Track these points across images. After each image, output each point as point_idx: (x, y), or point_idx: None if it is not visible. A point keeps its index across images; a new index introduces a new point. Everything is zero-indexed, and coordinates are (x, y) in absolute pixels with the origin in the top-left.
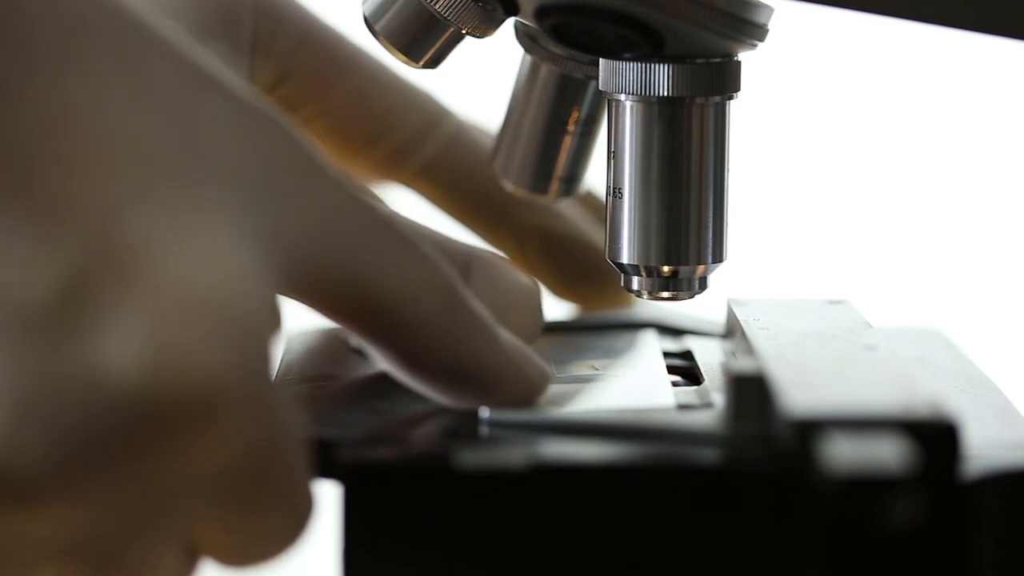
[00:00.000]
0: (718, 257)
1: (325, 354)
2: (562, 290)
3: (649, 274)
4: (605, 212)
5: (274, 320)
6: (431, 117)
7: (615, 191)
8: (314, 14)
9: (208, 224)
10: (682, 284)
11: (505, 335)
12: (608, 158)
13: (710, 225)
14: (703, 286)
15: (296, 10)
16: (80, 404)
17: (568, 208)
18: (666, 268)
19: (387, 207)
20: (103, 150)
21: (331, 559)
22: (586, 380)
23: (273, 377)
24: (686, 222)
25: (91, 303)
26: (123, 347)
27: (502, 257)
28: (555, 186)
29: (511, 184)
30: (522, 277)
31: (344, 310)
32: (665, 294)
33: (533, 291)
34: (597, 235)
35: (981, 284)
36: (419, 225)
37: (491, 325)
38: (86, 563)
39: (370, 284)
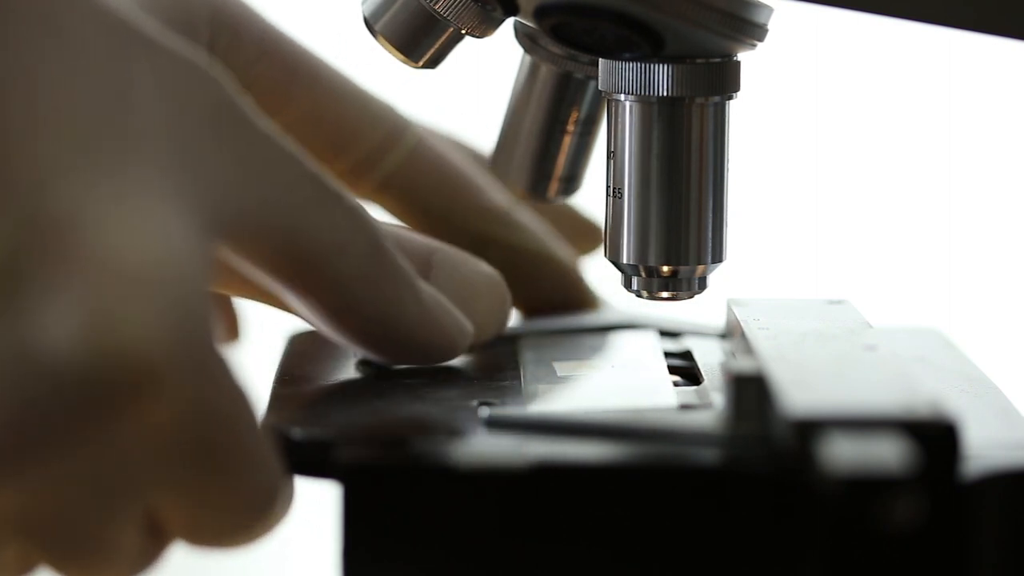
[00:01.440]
0: (718, 257)
1: (325, 354)
2: (523, 304)
3: (649, 274)
4: (604, 212)
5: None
6: (392, 130)
7: (615, 191)
8: (274, 25)
9: (137, 189)
10: (682, 284)
11: (427, 290)
12: (608, 158)
13: (710, 225)
14: (703, 286)
15: (255, 21)
16: (20, 382)
17: (532, 222)
18: (666, 268)
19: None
20: (31, 120)
21: (331, 559)
22: (586, 380)
23: (214, 342)
24: (686, 222)
25: (26, 280)
26: (59, 322)
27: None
28: (555, 186)
29: (511, 184)
30: (484, 266)
31: (272, 263)
32: (665, 294)
33: (496, 280)
34: (561, 249)
35: (981, 284)
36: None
37: (413, 279)
38: (45, 540)
39: (297, 236)
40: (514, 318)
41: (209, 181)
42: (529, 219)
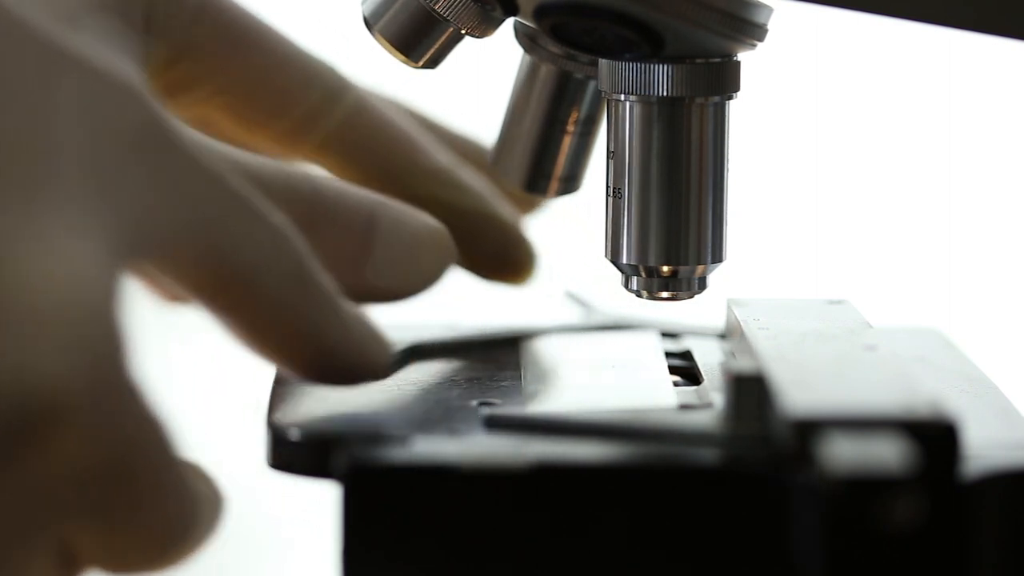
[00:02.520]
0: (717, 257)
1: None
2: (464, 263)
3: (648, 274)
4: (605, 212)
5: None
6: (332, 91)
7: (614, 191)
8: None
9: (47, 217)
10: (682, 284)
11: (350, 311)
12: (608, 158)
13: (709, 225)
14: (703, 286)
15: None
16: None
17: (474, 181)
18: (665, 268)
19: (237, 178)
20: None
21: (331, 559)
22: (586, 380)
23: (127, 374)
24: (685, 222)
25: None
26: None
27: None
28: (554, 186)
29: (510, 183)
30: (428, 219)
31: (194, 281)
32: (664, 294)
33: (441, 233)
34: (503, 208)
35: (981, 284)
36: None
37: (337, 299)
38: None
39: (221, 256)
40: (511, 316)
41: (126, 203)
42: (471, 178)
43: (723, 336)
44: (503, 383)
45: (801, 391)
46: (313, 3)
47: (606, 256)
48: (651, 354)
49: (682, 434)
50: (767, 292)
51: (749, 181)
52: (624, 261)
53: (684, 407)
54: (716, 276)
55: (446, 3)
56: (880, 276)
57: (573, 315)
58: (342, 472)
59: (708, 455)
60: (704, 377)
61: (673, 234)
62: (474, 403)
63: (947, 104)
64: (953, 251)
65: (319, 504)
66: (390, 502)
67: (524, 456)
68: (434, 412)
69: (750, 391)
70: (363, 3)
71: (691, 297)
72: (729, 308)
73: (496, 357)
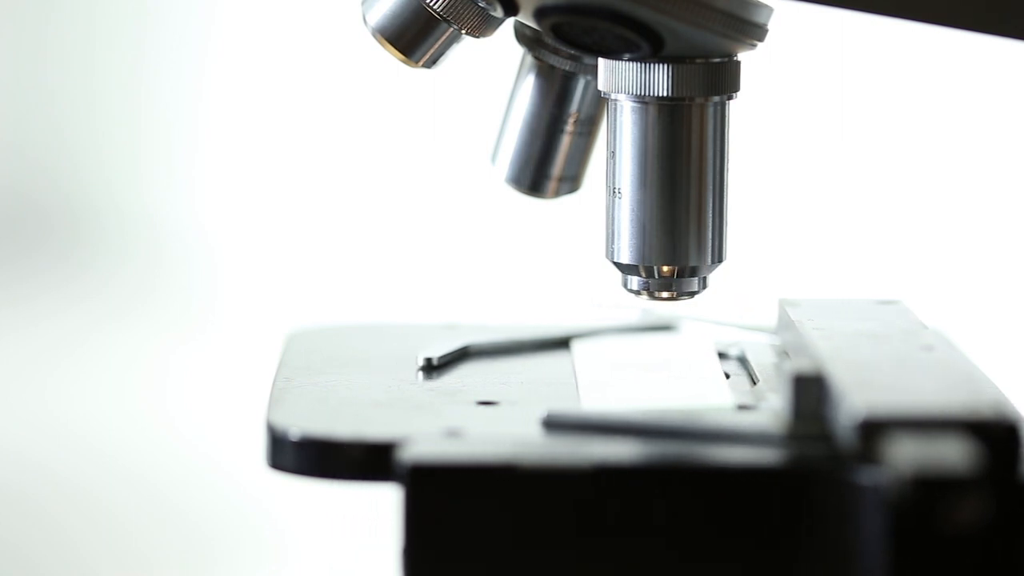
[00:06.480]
0: (718, 257)
1: (325, 354)
2: None
3: (649, 274)
4: (605, 212)
5: None
6: None
7: (615, 191)
8: None
9: None
10: (682, 284)
11: None
12: (608, 158)
13: (710, 225)
14: (703, 286)
15: None
16: None
17: None
18: (666, 268)
19: None
20: None
21: (393, 562)
22: (642, 381)
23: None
24: (686, 222)
25: None
26: None
27: None
28: (555, 186)
29: (511, 183)
30: None
31: None
32: (665, 294)
33: None
34: None
35: (981, 284)
36: None
37: None
38: None
39: None
40: (566, 321)
41: None
42: None
43: (776, 336)
44: (556, 383)
45: (865, 392)
46: (313, 3)
47: (606, 256)
48: (705, 354)
49: (743, 434)
50: (767, 292)
51: (749, 181)
52: (624, 261)
53: (742, 407)
54: (716, 276)
55: (446, 3)
56: (880, 276)
57: (624, 316)
58: (404, 471)
59: (769, 455)
60: (759, 378)
61: (673, 234)
62: (475, 403)
63: (947, 104)
64: (953, 251)
65: (319, 504)
66: (452, 503)
67: (588, 457)
68: (432, 412)
69: (810, 391)
70: (363, 3)
71: (692, 297)
72: (782, 308)
73: (548, 358)
